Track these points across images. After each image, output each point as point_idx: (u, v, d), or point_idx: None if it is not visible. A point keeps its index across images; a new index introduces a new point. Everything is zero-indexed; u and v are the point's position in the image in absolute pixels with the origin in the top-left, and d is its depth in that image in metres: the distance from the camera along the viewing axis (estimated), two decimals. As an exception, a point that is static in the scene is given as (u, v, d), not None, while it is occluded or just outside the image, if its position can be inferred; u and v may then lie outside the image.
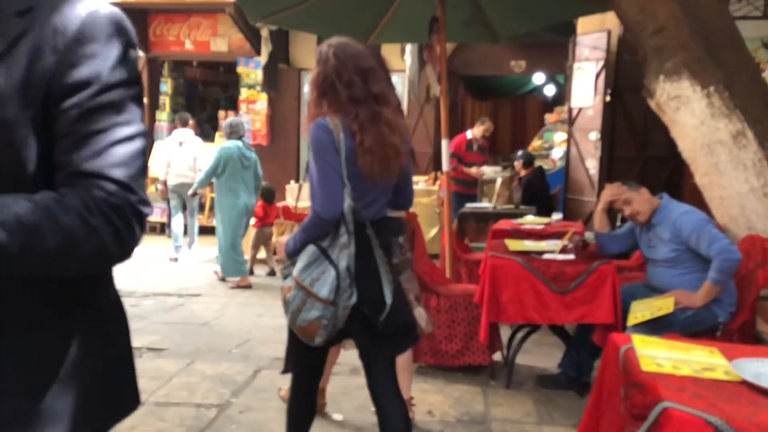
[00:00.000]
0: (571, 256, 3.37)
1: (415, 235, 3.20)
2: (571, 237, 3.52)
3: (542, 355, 4.03)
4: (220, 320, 5.03)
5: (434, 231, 7.36)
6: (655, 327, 2.83)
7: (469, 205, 6.18)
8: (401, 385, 2.99)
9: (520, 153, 7.40)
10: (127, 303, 5.57)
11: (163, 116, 9.70)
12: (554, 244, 3.59)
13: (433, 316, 3.69)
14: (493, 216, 5.69)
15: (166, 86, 9.76)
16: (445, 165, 4.54)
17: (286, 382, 3.39)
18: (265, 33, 8.65)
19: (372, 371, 2.18)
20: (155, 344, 4.31)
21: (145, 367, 3.88)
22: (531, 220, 4.84)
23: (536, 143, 8.80)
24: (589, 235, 4.32)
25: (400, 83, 9.10)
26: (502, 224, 4.78)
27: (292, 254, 2.08)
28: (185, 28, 9.36)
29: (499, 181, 6.14)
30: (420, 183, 7.96)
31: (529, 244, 3.73)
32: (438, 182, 7.78)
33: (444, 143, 4.52)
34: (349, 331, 2.11)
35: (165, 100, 9.74)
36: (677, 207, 3.19)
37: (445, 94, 4.40)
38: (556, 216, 4.77)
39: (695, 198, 5.06)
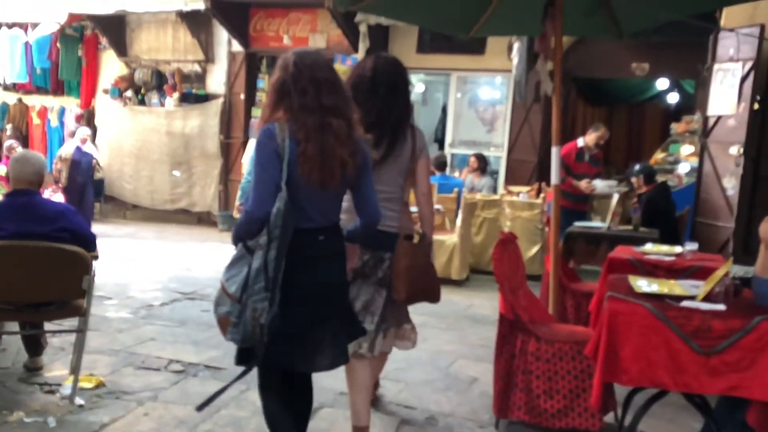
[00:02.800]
0: (721, 306, 2.56)
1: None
2: (721, 280, 2.69)
3: (668, 420, 3.22)
4: (289, 337, 4.55)
5: (534, 249, 6.57)
6: None
7: (579, 224, 5.36)
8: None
9: (638, 167, 6.43)
10: (199, 308, 5.10)
11: (258, 113, 9.55)
12: (696, 287, 2.78)
13: (530, 364, 3.01)
14: (607, 238, 4.86)
15: (263, 83, 9.61)
16: (555, 177, 3.79)
17: (347, 426, 2.85)
18: (363, 29, 8.26)
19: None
20: (213, 361, 3.91)
21: (196, 391, 3.48)
22: (657, 250, 3.97)
23: (659, 156, 7.76)
24: (736, 271, 3.43)
25: (505, 85, 8.39)
26: (621, 252, 3.96)
27: (234, 245, 2.18)
28: (284, 24, 9.29)
29: (615, 197, 5.27)
30: (521, 194, 7.19)
31: (661, 287, 2.90)
32: (542, 195, 6.98)
33: (554, 150, 3.77)
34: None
35: (261, 97, 9.59)
36: None
37: (559, 92, 3.67)
38: (690, 246, 3.86)
39: None
